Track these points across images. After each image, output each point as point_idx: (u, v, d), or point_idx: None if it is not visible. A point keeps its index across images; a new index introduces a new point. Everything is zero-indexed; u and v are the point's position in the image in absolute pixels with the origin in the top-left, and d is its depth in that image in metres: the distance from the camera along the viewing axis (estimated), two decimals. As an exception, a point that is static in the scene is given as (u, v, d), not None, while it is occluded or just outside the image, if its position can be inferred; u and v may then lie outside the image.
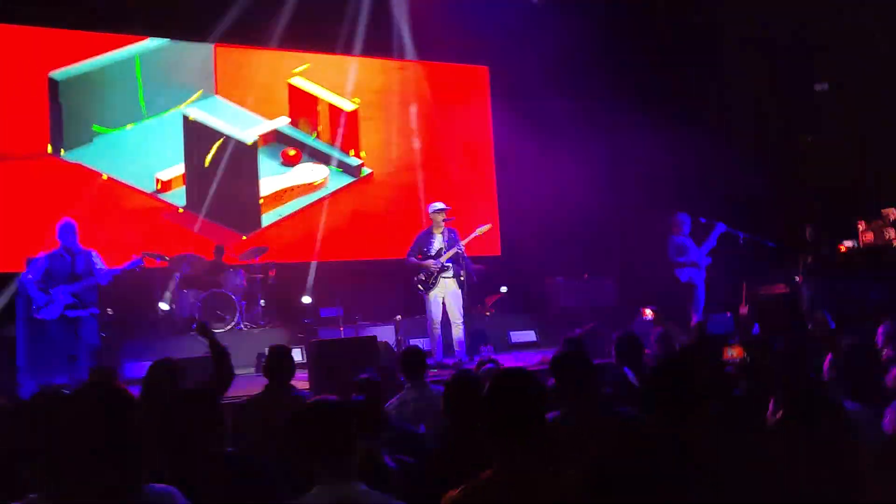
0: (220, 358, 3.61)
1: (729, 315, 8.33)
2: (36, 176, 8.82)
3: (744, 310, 9.51)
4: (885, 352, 4.47)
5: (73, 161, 9.03)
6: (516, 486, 1.91)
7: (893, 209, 9.63)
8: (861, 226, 9.91)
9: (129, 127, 9.32)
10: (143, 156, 9.35)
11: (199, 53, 9.76)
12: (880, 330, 4.73)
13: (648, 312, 8.69)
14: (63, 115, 8.99)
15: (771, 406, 3.02)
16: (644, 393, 2.64)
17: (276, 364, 4.00)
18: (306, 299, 9.18)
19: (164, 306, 8.42)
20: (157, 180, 9.40)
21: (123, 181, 9.25)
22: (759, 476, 2.12)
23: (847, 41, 9.45)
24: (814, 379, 3.45)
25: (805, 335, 7.16)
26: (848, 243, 9.91)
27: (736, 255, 9.00)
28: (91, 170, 9.09)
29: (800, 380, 3.38)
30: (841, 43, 9.52)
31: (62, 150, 8.99)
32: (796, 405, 2.46)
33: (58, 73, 8.99)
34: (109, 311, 7.45)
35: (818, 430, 2.27)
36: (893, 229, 9.64)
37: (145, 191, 9.34)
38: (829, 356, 3.73)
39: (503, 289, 10.05)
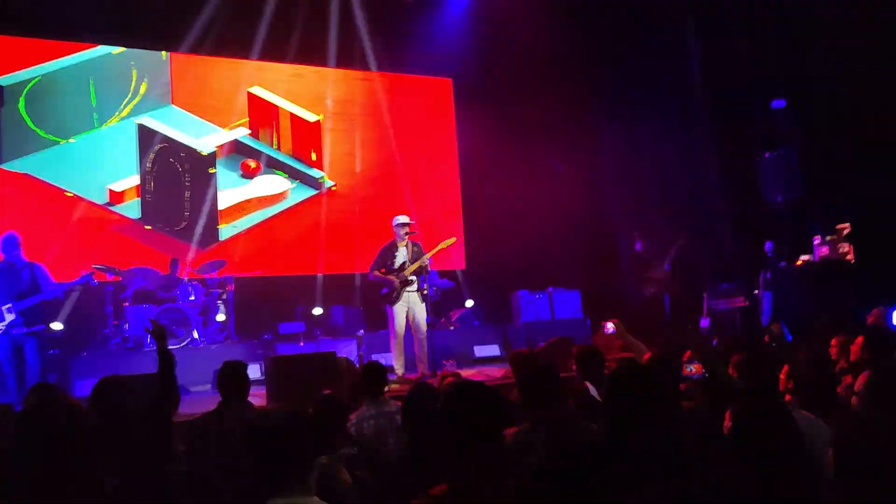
0: (165, 366, 3.46)
1: (689, 328, 8.40)
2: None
3: (704, 322, 9.63)
4: (838, 363, 4.52)
5: (17, 171, 8.71)
6: (470, 501, 1.86)
7: (847, 224, 9.85)
8: (817, 240, 10.12)
9: (79, 136, 9.04)
10: (93, 166, 9.06)
11: (155, 62, 9.55)
12: (834, 342, 4.79)
13: (610, 326, 8.72)
14: (5, 123, 8.67)
15: (727, 419, 3.00)
16: (604, 406, 2.60)
17: (230, 380, 3.86)
18: (266, 315, 8.99)
19: (114, 326, 8.16)
20: (110, 192, 9.14)
21: (73, 192, 8.96)
22: (706, 484, 2.11)
23: (803, 59, 9.66)
24: (769, 390, 3.44)
25: (762, 347, 7.25)
26: (804, 257, 10.10)
27: (696, 270, 9.12)
28: (37, 180, 8.77)
29: (754, 389, 3.38)
30: (798, 61, 9.73)
31: (2, 159, 8.66)
32: (748, 416, 2.45)
33: (3, 79, 8.69)
34: (58, 327, 7.16)
35: (769, 440, 2.26)
36: (847, 244, 9.86)
37: (96, 202, 9.07)
38: (786, 368, 3.75)
39: (469, 303, 9.99)
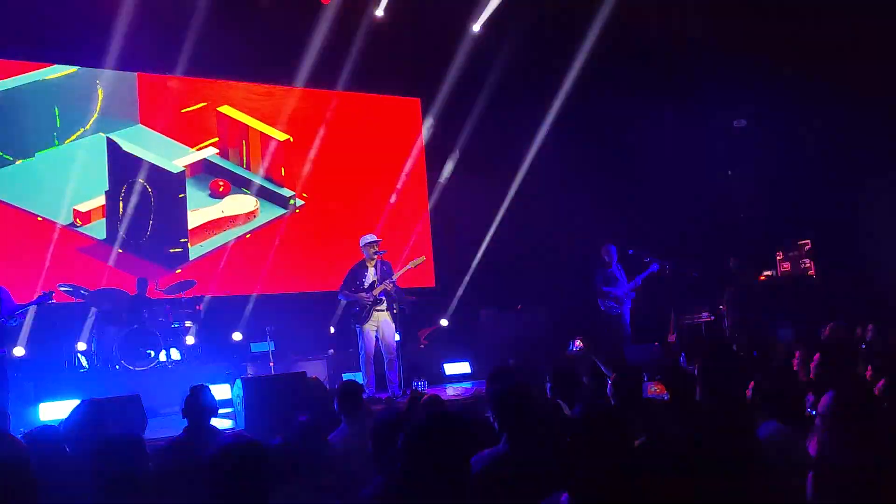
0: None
1: (657, 345, 8.52)
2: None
3: (672, 338, 9.79)
4: (800, 375, 4.66)
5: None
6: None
7: (808, 241, 10.11)
8: (779, 256, 10.36)
9: (40, 154, 8.89)
10: (56, 186, 8.87)
11: (121, 81, 9.48)
12: (797, 355, 4.92)
13: (578, 343, 8.85)
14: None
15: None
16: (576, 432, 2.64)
17: (196, 405, 3.85)
18: (237, 336, 8.93)
19: (81, 346, 8.03)
20: (75, 212, 9.01)
21: (35, 212, 8.82)
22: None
23: (764, 78, 9.93)
24: (735, 401, 3.53)
25: (727, 362, 7.37)
26: (767, 273, 10.33)
27: (664, 286, 9.27)
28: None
29: (720, 403, 3.46)
30: (759, 80, 9.99)
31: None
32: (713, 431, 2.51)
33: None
34: (20, 352, 7.03)
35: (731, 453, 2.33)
36: (809, 259, 10.11)
37: (60, 223, 8.93)
38: (752, 382, 3.85)
39: (443, 322, 10.04)
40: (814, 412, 3.09)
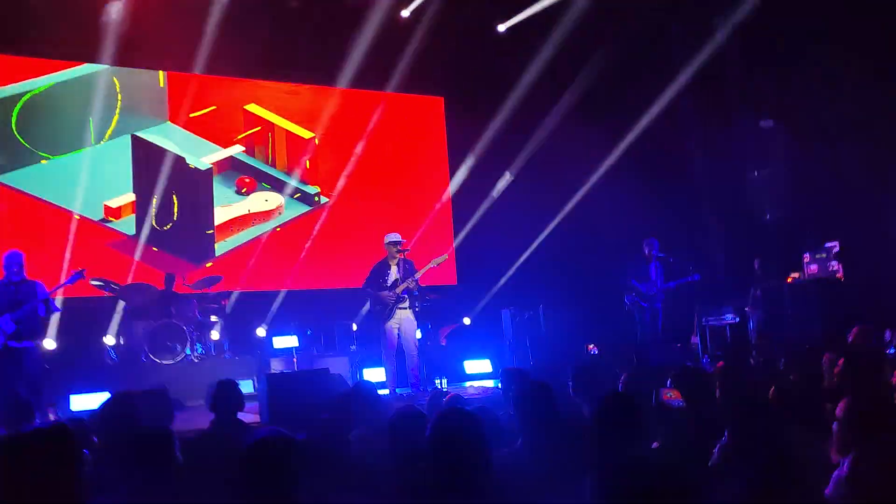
0: None
1: (678, 346, 8.46)
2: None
3: (695, 339, 9.71)
4: (826, 381, 4.59)
5: (9, 185, 8.75)
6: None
7: (836, 242, 9.96)
8: (806, 258, 10.22)
9: (73, 153, 9.09)
10: (88, 182, 9.06)
11: (151, 80, 9.64)
12: (824, 359, 4.86)
13: (593, 347, 8.82)
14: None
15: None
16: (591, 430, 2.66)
17: (223, 398, 3.92)
18: (261, 331, 9.04)
19: (109, 341, 8.19)
20: (106, 208, 9.19)
21: (67, 208, 9.00)
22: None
23: (791, 79, 9.81)
24: (759, 408, 3.50)
25: (749, 365, 7.32)
26: (794, 275, 10.20)
27: (688, 287, 9.19)
28: (28, 195, 8.79)
29: (743, 409, 3.44)
30: (785, 80, 9.87)
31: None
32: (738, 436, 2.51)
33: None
34: (51, 345, 7.17)
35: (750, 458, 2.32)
36: (837, 262, 9.96)
37: (91, 218, 9.11)
38: (773, 388, 3.81)
39: (466, 320, 10.07)
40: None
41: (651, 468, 1.62)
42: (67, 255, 8.68)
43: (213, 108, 9.99)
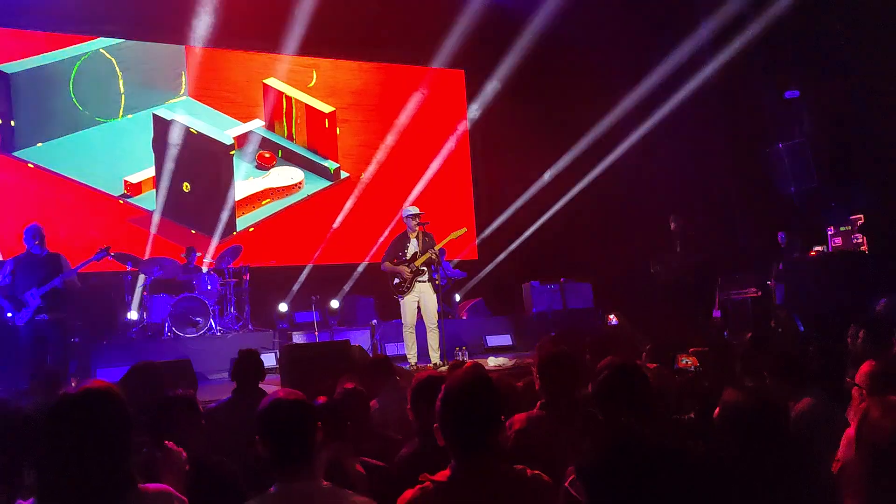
0: None
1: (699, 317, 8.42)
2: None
3: (717, 314, 9.64)
4: (850, 352, 4.55)
5: (28, 160, 8.83)
6: (471, 487, 1.93)
7: (861, 215, 9.80)
8: (831, 231, 10.07)
9: (92, 128, 9.13)
10: (109, 158, 9.16)
11: (170, 54, 9.65)
12: (850, 331, 4.81)
13: (613, 318, 8.80)
14: (14, 111, 8.75)
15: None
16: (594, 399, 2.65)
17: (245, 367, 3.96)
18: (283, 307, 9.10)
19: (132, 314, 8.30)
20: (126, 183, 9.26)
21: (87, 184, 9.08)
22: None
23: (817, 49, 9.60)
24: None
25: (770, 336, 7.26)
26: (818, 248, 10.06)
27: (710, 261, 9.12)
28: (47, 171, 8.87)
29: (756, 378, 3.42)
30: (811, 51, 9.67)
31: (13, 148, 8.76)
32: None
33: (9, 66, 8.74)
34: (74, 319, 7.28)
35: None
36: (861, 234, 9.81)
37: (112, 194, 9.19)
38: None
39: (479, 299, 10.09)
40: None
41: (643, 439, 1.59)
42: (87, 230, 8.78)
43: (233, 82, 10.00)
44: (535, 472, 1.99)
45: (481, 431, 1.94)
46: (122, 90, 9.29)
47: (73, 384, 5.57)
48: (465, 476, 1.93)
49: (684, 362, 3.12)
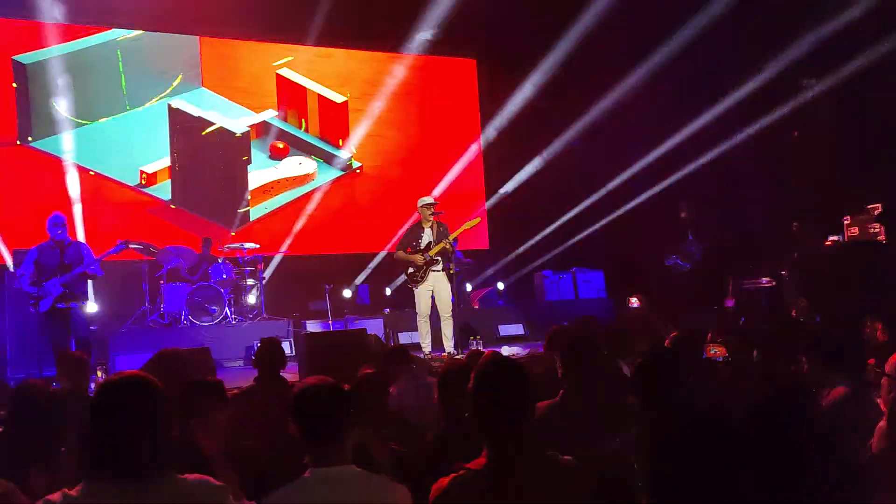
0: None
1: (715, 308, 8.40)
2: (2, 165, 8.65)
3: (730, 303, 9.62)
4: (869, 341, 4.54)
5: (45, 151, 8.85)
6: (507, 474, 1.94)
7: (879, 204, 9.72)
8: (847, 220, 10.00)
9: (109, 118, 9.18)
10: (125, 148, 9.20)
11: (184, 44, 9.67)
12: (867, 322, 4.80)
13: (634, 301, 8.79)
14: (31, 102, 8.76)
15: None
16: (633, 383, 2.67)
17: (268, 355, 4.01)
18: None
19: (149, 303, 8.38)
20: (142, 173, 9.32)
21: (104, 174, 9.13)
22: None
23: (833, 38, 9.51)
24: (793, 370, 3.49)
25: (787, 326, 7.24)
26: (833, 238, 10.00)
27: (722, 250, 9.09)
28: (64, 161, 8.86)
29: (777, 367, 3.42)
30: (828, 39, 9.57)
31: (31, 138, 8.77)
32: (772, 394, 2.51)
33: (25, 57, 8.75)
34: (93, 308, 7.35)
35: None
36: (879, 224, 9.74)
37: (128, 184, 9.25)
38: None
39: (500, 285, 10.09)
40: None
41: (695, 415, 1.63)
42: (105, 219, 8.84)
43: (247, 72, 10.02)
44: (567, 457, 2.00)
45: (516, 418, 1.96)
46: (137, 81, 9.32)
47: (98, 374, 5.65)
48: (500, 463, 1.95)
49: (713, 352, 3.13)
